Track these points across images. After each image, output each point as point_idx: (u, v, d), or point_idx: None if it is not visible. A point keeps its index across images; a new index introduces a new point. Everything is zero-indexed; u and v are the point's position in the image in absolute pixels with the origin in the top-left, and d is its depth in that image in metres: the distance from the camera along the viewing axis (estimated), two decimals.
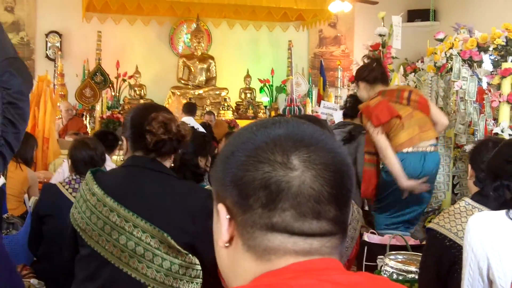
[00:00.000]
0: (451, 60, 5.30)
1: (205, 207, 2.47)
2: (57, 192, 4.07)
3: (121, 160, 3.26)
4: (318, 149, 1.08)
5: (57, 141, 8.32)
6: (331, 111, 8.97)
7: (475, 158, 3.03)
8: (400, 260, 3.70)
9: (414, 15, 13.61)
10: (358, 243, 3.89)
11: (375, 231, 4.67)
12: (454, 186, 5.86)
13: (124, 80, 13.02)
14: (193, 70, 13.94)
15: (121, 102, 13.03)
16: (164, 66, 14.03)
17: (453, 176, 5.86)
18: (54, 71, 12.13)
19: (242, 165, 1.08)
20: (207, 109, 12.71)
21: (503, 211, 2.29)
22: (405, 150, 4.84)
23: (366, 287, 1.09)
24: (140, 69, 13.36)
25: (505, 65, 4.95)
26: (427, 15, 13.35)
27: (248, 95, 13.96)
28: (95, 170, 2.79)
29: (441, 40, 5.77)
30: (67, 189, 4.09)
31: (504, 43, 5.02)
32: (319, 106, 10.08)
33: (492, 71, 5.13)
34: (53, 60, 13.02)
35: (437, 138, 5.18)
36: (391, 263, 3.62)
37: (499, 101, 4.94)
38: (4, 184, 4.98)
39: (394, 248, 4.19)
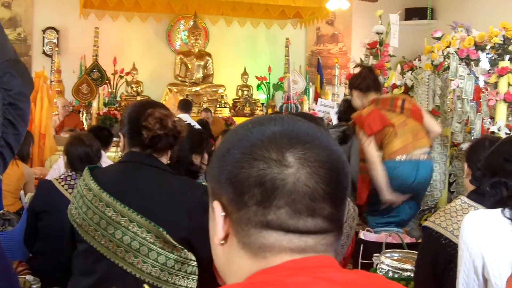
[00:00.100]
0: (448, 59, 5.30)
1: (201, 203, 2.49)
2: (52, 189, 4.06)
3: (119, 157, 3.27)
4: (313, 146, 1.08)
5: (53, 137, 8.31)
6: (328, 108, 8.97)
7: (472, 156, 3.03)
8: (396, 258, 3.70)
9: (412, 14, 13.62)
10: (354, 241, 3.90)
11: (371, 229, 4.67)
12: (450, 184, 5.87)
13: (121, 77, 13.02)
14: (190, 67, 13.94)
15: (118, 98, 13.03)
16: (161, 63, 14.02)
17: (450, 175, 5.87)
18: (51, 67, 12.11)
19: (237, 163, 1.08)
20: (204, 106, 12.70)
21: (498, 210, 2.29)
22: (398, 158, 4.87)
23: (362, 285, 1.08)
24: (137, 66, 13.35)
25: (502, 64, 4.95)
26: (424, 13, 13.35)
27: (245, 92, 13.97)
28: (93, 167, 2.82)
29: (439, 39, 5.78)
30: (62, 186, 4.08)
31: (501, 42, 5.02)
32: (316, 103, 10.08)
33: (489, 70, 5.13)
34: (50, 56, 13.01)
35: (430, 146, 5.20)
36: (387, 261, 3.62)
37: (496, 100, 4.94)
38: (0, 181, 4.99)
39: (390, 246, 4.19)
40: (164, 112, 2.72)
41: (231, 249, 1.12)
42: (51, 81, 11.03)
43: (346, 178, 1.12)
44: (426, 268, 2.96)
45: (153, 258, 2.51)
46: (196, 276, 2.58)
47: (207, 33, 14.51)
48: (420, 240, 3.78)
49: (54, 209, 3.95)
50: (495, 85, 5.01)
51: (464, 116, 5.36)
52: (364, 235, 4.52)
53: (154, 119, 2.65)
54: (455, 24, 5.62)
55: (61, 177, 4.19)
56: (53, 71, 11.88)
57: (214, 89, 13.72)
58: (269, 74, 13.97)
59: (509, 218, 2.24)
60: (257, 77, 13.93)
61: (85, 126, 10.80)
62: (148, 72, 13.75)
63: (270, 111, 13.40)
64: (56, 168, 5.90)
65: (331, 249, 1.10)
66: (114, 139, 9.44)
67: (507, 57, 5.02)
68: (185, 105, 10.23)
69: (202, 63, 13.99)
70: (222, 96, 13.59)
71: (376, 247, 4.19)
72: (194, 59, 13.97)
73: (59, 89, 11.44)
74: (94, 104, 11.66)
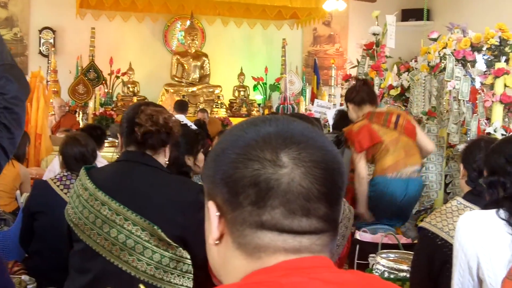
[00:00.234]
0: (445, 60, 5.30)
1: (196, 201, 2.50)
2: (48, 189, 4.06)
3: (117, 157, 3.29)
4: (308, 146, 1.08)
5: (49, 138, 8.30)
6: (325, 109, 8.99)
7: (467, 157, 3.04)
8: (391, 258, 3.71)
9: (408, 15, 13.63)
10: (350, 241, 3.90)
11: (366, 230, 4.67)
12: (446, 185, 5.87)
13: (117, 77, 13.00)
14: (186, 68, 13.94)
15: (114, 99, 13.02)
16: (157, 63, 14.02)
17: (446, 175, 5.87)
18: (47, 67, 12.10)
19: (232, 163, 1.08)
20: (201, 106, 12.70)
21: (493, 211, 2.29)
22: (389, 176, 4.93)
23: (357, 285, 1.08)
24: (134, 66, 13.34)
25: (498, 65, 4.95)
26: (421, 14, 13.31)
27: (242, 93, 13.97)
28: (89, 167, 2.84)
29: (435, 40, 5.77)
30: (58, 186, 4.08)
31: (497, 43, 5.02)
32: (313, 104, 10.09)
33: (486, 71, 5.13)
34: (47, 56, 13.00)
35: (422, 164, 5.31)
36: (382, 262, 3.62)
37: (492, 101, 4.95)
38: None
39: (386, 246, 4.20)
40: (156, 108, 2.74)
41: (226, 249, 1.12)
42: (47, 81, 11.01)
43: (341, 178, 1.11)
44: (422, 268, 2.96)
45: (148, 256, 2.52)
46: (192, 275, 2.59)
47: (203, 33, 14.52)
48: (416, 241, 3.79)
49: (50, 209, 3.94)
50: (491, 86, 5.01)
51: (460, 117, 5.36)
52: (360, 235, 4.52)
53: (146, 115, 2.68)
54: (452, 25, 5.62)
55: (57, 177, 4.18)
56: (49, 71, 11.87)
57: (211, 90, 13.72)
58: (266, 74, 13.97)
59: (504, 219, 2.24)
60: (253, 78, 13.93)
61: (82, 126, 10.79)
62: (145, 73, 13.74)
63: (266, 111, 13.39)
64: (51, 169, 5.90)
65: (326, 250, 1.10)
66: (110, 139, 9.47)
67: (503, 58, 5.02)
68: (181, 106, 10.23)
69: (198, 63, 13.99)
70: (218, 97, 13.59)
71: (372, 248, 4.20)
72: (191, 60, 13.96)
73: (55, 89, 11.43)
74: (91, 104, 11.66)
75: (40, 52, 13.51)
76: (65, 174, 4.14)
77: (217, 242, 1.13)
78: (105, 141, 6.95)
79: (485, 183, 2.48)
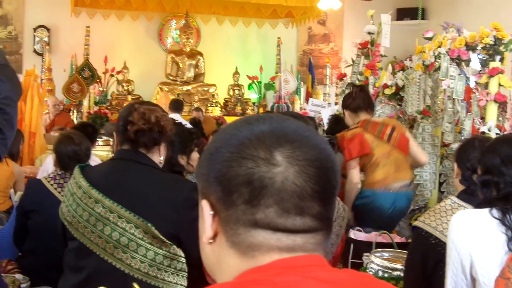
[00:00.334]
0: (439, 59, 5.30)
1: (189, 199, 2.51)
2: (42, 188, 4.05)
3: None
4: (302, 145, 1.08)
5: (43, 136, 8.29)
6: (319, 108, 8.98)
7: (461, 156, 3.04)
8: (385, 257, 3.71)
9: (403, 14, 13.64)
10: (344, 240, 3.90)
11: (361, 229, 4.68)
12: (440, 184, 5.87)
13: (112, 76, 12.99)
14: (181, 66, 13.94)
15: (109, 97, 13.02)
16: (152, 61, 14.01)
17: (440, 174, 5.88)
18: (42, 65, 12.07)
19: (226, 161, 1.08)
20: (195, 105, 12.70)
21: (486, 210, 2.29)
22: (378, 190, 4.99)
23: (351, 284, 1.08)
24: (128, 65, 13.34)
25: (492, 64, 4.96)
26: (416, 13, 13.37)
27: (237, 91, 13.98)
28: (83, 165, 2.84)
29: (430, 39, 5.78)
30: (52, 185, 4.07)
31: (492, 42, 5.03)
32: (307, 103, 10.09)
33: (480, 70, 5.14)
34: (41, 54, 12.97)
35: (412, 179, 5.32)
36: (376, 261, 3.62)
37: (487, 100, 4.95)
38: None
39: (380, 245, 4.20)
40: (149, 107, 2.76)
41: (220, 248, 1.12)
42: (41, 80, 10.98)
43: (335, 176, 1.12)
44: (416, 267, 2.97)
45: (141, 254, 2.53)
46: (186, 273, 2.60)
47: (198, 32, 14.51)
48: (410, 240, 3.79)
49: (43, 208, 3.93)
50: (486, 86, 5.02)
51: (455, 116, 5.37)
52: (354, 234, 4.52)
53: (139, 114, 2.69)
54: (446, 25, 5.62)
55: (50, 176, 4.18)
56: (43, 69, 11.83)
57: (205, 88, 13.73)
58: (261, 73, 13.99)
59: (497, 218, 2.24)
60: (248, 77, 13.94)
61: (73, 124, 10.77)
62: (139, 71, 13.74)
63: (261, 110, 13.41)
64: (44, 169, 5.89)
65: (320, 248, 1.10)
66: (105, 137, 9.46)
67: (498, 57, 5.02)
68: (176, 105, 10.23)
69: (193, 62, 13.99)
70: (213, 95, 13.60)
71: (366, 247, 4.20)
72: (186, 58, 13.97)
73: (49, 88, 11.39)
74: (85, 102, 11.65)
75: (35, 51, 13.49)
76: (59, 173, 4.14)
77: (211, 241, 1.13)
78: (98, 139, 6.94)
79: (478, 182, 2.49)
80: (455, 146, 4.83)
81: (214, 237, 1.12)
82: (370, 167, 5.02)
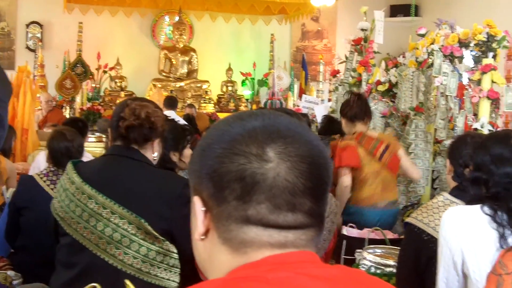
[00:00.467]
0: (432, 56, 5.31)
1: (182, 194, 2.52)
2: (34, 184, 4.05)
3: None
4: (294, 141, 1.08)
5: (36, 132, 8.26)
6: (313, 105, 8.97)
7: (454, 153, 3.04)
8: (378, 253, 3.72)
9: (397, 10, 13.64)
10: (336, 236, 3.91)
11: (353, 225, 4.69)
12: (433, 180, 5.89)
13: (105, 72, 12.97)
14: (174, 63, 13.93)
15: (102, 93, 12.99)
16: (145, 58, 14.00)
17: (433, 171, 5.89)
18: (34, 62, 12.04)
19: (218, 157, 1.08)
20: (188, 101, 12.69)
21: (478, 206, 2.30)
22: (364, 207, 5.03)
23: (343, 280, 1.08)
24: (121, 61, 13.33)
25: (485, 61, 4.97)
26: (409, 10, 13.38)
27: (230, 88, 13.98)
28: (76, 161, 2.84)
29: (423, 36, 5.78)
30: (44, 181, 4.07)
31: (485, 39, 5.04)
32: (301, 100, 10.08)
33: (473, 67, 5.14)
34: (34, 51, 12.93)
35: (396, 200, 5.36)
36: (369, 257, 3.63)
37: (479, 97, 4.96)
38: None
39: (373, 242, 4.21)
40: (140, 103, 2.76)
41: (212, 245, 1.12)
42: (34, 76, 10.96)
43: (327, 173, 1.11)
44: (408, 264, 2.97)
45: (134, 250, 2.53)
46: (178, 269, 2.60)
47: (191, 28, 14.49)
48: (403, 236, 3.79)
49: (36, 204, 3.92)
50: (479, 82, 5.03)
51: (447, 113, 5.37)
52: (347, 230, 4.53)
53: (129, 110, 2.70)
54: (440, 21, 5.63)
55: (43, 172, 4.17)
56: (36, 65, 11.81)
57: (199, 85, 13.72)
58: (254, 70, 13.97)
59: (488, 215, 2.25)
60: (241, 73, 13.93)
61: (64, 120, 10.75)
62: (132, 67, 13.72)
63: (254, 107, 13.41)
64: (35, 166, 5.87)
65: (311, 244, 1.10)
66: (98, 134, 9.43)
67: (491, 54, 5.03)
68: (171, 102, 10.24)
69: (186, 58, 13.98)
70: (206, 92, 13.59)
71: (359, 243, 4.21)
72: (179, 55, 13.96)
73: (42, 84, 11.37)
74: (78, 99, 11.62)
75: (27, 47, 13.47)
76: (52, 169, 4.13)
77: (203, 237, 1.12)
78: (90, 135, 6.91)
79: (469, 178, 2.49)
80: (448, 142, 4.84)
81: (206, 233, 1.12)
82: (358, 183, 5.06)
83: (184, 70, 13.96)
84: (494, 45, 5.04)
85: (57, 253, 2.75)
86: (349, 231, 4.53)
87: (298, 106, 9.72)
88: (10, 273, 3.81)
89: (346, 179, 4.98)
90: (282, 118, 1.13)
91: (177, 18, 13.97)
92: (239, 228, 1.06)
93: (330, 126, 6.11)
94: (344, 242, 4.34)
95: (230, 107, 13.42)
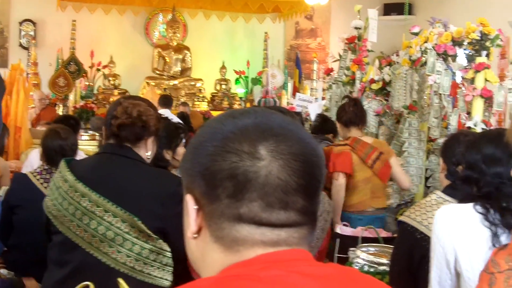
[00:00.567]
0: (426, 54, 5.32)
1: (175, 193, 2.51)
2: (28, 183, 4.04)
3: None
4: (286, 139, 1.07)
5: (29, 131, 8.24)
6: (306, 103, 8.98)
7: (447, 151, 3.04)
8: (371, 252, 3.72)
9: (390, 9, 13.64)
10: (329, 234, 3.91)
11: (347, 224, 4.69)
12: (427, 179, 5.89)
13: (98, 70, 12.94)
14: (168, 61, 13.91)
15: (95, 91, 12.96)
16: (139, 56, 13.98)
17: (426, 169, 5.89)
18: (28, 59, 12.00)
19: (210, 155, 1.08)
20: (182, 100, 12.68)
21: (471, 204, 2.30)
22: (352, 213, 5.05)
23: (335, 278, 1.08)
24: (115, 59, 13.30)
25: (479, 60, 4.98)
26: (403, 8, 13.38)
27: (224, 86, 13.96)
28: (69, 159, 2.84)
29: (416, 34, 5.79)
30: (38, 180, 4.06)
31: (478, 38, 5.04)
32: (295, 98, 10.09)
33: (466, 66, 5.15)
34: (27, 48, 12.91)
35: (386, 206, 5.40)
36: (362, 255, 3.63)
37: (473, 95, 4.97)
38: None
39: (366, 240, 4.21)
40: (133, 101, 2.76)
41: (205, 243, 1.12)
42: (27, 74, 10.93)
43: (320, 170, 1.11)
44: (402, 262, 2.97)
45: (128, 248, 2.52)
46: (172, 268, 2.60)
47: (185, 26, 14.47)
48: (396, 235, 3.80)
49: (29, 203, 3.91)
50: (472, 81, 5.03)
51: (441, 111, 5.38)
52: (341, 229, 4.53)
53: (122, 108, 2.70)
54: (433, 20, 5.64)
55: (37, 170, 4.16)
56: (29, 63, 11.78)
57: (192, 83, 13.71)
58: (248, 68, 13.97)
59: (481, 213, 2.25)
60: (235, 71, 13.92)
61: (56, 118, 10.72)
62: (126, 65, 13.70)
63: (248, 105, 13.40)
64: (27, 165, 5.85)
65: (304, 242, 1.10)
66: (91, 132, 9.41)
67: (484, 53, 5.04)
68: (166, 101, 10.25)
69: (180, 56, 13.97)
70: (200, 90, 13.58)
71: (353, 242, 4.21)
72: (172, 53, 13.94)
73: (35, 82, 11.34)
74: (71, 97, 11.59)
75: (21, 45, 13.44)
76: (45, 167, 4.13)
77: (195, 235, 1.12)
78: (83, 133, 6.90)
79: (461, 177, 2.50)
80: (441, 141, 4.85)
81: (199, 231, 1.12)
82: (349, 189, 5.07)
83: (177, 68, 13.95)
84: (487, 43, 5.05)
85: (49, 251, 2.74)
86: (343, 229, 4.54)
87: (292, 104, 9.73)
88: (3, 271, 3.82)
89: (340, 179, 4.99)
90: (275, 116, 1.13)
91: (170, 16, 13.95)
92: (232, 226, 1.06)
93: (324, 125, 6.12)
94: (338, 240, 4.35)
95: (224, 106, 13.41)
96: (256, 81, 13.85)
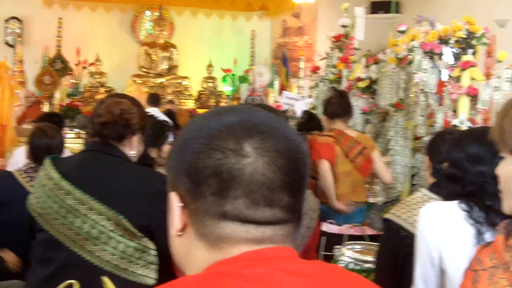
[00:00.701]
0: (413, 52, 5.33)
1: (160, 191, 2.49)
2: (13, 181, 4.02)
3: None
4: (272, 136, 1.07)
5: (14, 129, 8.21)
6: (293, 101, 8.97)
7: (433, 149, 3.05)
8: (357, 250, 3.73)
9: (378, 7, 13.65)
10: (317, 233, 3.91)
11: (333, 221, 4.70)
12: (412, 177, 5.91)
13: (84, 68, 12.89)
14: (155, 58, 13.88)
15: (81, 89, 12.91)
16: (125, 54, 13.94)
17: (412, 167, 5.91)
18: (13, 57, 11.95)
19: (195, 153, 1.07)
20: (168, 98, 12.66)
21: (455, 202, 2.31)
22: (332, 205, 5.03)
23: (320, 276, 1.08)
24: (102, 57, 13.25)
25: (465, 58, 5.00)
26: (390, 7, 13.41)
27: (210, 84, 13.95)
28: (54, 157, 2.82)
29: (403, 32, 5.80)
30: (23, 178, 4.04)
31: (465, 36, 5.06)
32: (281, 96, 10.09)
33: (453, 64, 5.17)
34: (13, 46, 12.83)
35: (365, 201, 5.40)
36: (348, 253, 3.64)
37: (459, 94, 4.99)
38: None
39: (353, 238, 4.23)
40: (116, 99, 2.77)
41: (189, 241, 1.11)
42: (13, 72, 10.87)
43: (305, 168, 1.12)
44: (387, 260, 2.98)
45: (112, 246, 2.52)
46: (156, 266, 2.59)
47: (172, 24, 14.44)
48: (382, 232, 3.81)
49: (14, 202, 3.89)
50: (458, 79, 5.05)
51: (427, 110, 5.40)
52: (327, 227, 4.54)
53: (105, 106, 2.70)
54: (420, 18, 5.65)
55: (23, 169, 4.15)
56: (15, 61, 11.73)
57: (179, 81, 13.69)
58: (235, 66, 13.96)
59: (465, 210, 2.26)
60: (222, 69, 13.91)
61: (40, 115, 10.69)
62: (112, 63, 13.65)
63: (235, 103, 13.39)
64: (12, 163, 5.82)
65: (289, 240, 1.11)
66: (76, 130, 9.36)
67: (470, 51, 5.06)
68: (154, 99, 10.25)
69: (167, 54, 13.95)
70: (186, 88, 13.56)
71: (339, 239, 4.22)
72: (159, 51, 13.91)
73: (21, 80, 11.31)
74: (57, 95, 11.55)
75: (6, 42, 13.34)
76: (32, 166, 4.11)
77: (180, 233, 1.12)
78: (69, 131, 6.88)
79: (445, 174, 2.51)
80: (427, 139, 4.87)
81: (183, 229, 1.12)
82: None
83: (164, 66, 13.92)
84: (473, 42, 5.07)
85: (33, 249, 2.73)
86: (329, 227, 4.55)
87: (279, 102, 9.73)
88: None
89: (325, 165, 4.99)
90: (260, 113, 1.13)
91: (157, 14, 13.92)
92: (216, 223, 1.06)
93: (309, 123, 6.12)
94: (324, 238, 4.36)
95: (211, 104, 13.41)
96: (243, 79, 13.85)
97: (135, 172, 2.74)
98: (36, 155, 4.12)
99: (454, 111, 5.08)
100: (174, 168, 1.13)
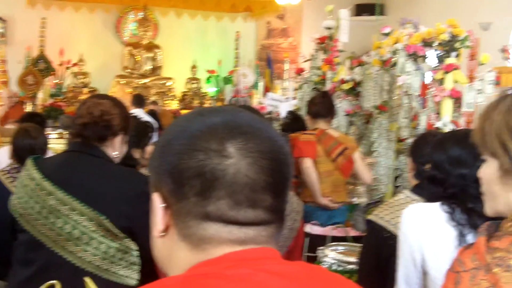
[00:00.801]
0: (397, 55, 5.35)
1: (143, 192, 2.48)
2: None
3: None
4: (254, 137, 1.07)
5: None
6: (277, 102, 8.99)
7: (416, 151, 3.07)
8: (340, 251, 3.74)
9: (362, 9, 13.69)
10: (301, 234, 3.91)
11: (317, 222, 4.71)
12: (396, 178, 5.93)
13: (67, 68, 12.83)
14: (139, 59, 13.83)
15: (65, 90, 12.84)
16: (109, 54, 13.87)
17: (395, 169, 5.93)
18: None
19: (177, 154, 1.07)
20: (152, 98, 12.63)
21: (437, 203, 2.32)
22: (312, 204, 5.05)
23: (303, 276, 1.09)
24: (85, 57, 13.19)
25: (448, 61, 5.02)
26: (375, 9, 13.45)
27: (194, 85, 13.93)
28: (36, 157, 2.82)
29: (387, 35, 5.82)
30: (6, 178, 4.01)
31: (448, 39, 5.08)
32: (266, 97, 10.10)
33: (436, 66, 5.19)
34: None
35: (346, 201, 5.42)
36: (331, 254, 3.65)
37: (442, 96, 5.01)
38: None
39: (336, 239, 4.23)
40: (97, 101, 2.76)
41: (172, 241, 1.11)
42: None
43: (288, 168, 1.12)
44: (370, 261, 2.98)
45: (94, 247, 2.51)
46: (139, 267, 2.59)
47: (156, 25, 14.41)
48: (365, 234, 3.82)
49: None
50: (441, 82, 5.08)
51: (411, 112, 5.43)
52: (311, 228, 4.55)
53: (86, 107, 2.70)
54: (404, 21, 5.67)
55: (6, 169, 4.12)
56: None
57: (163, 82, 13.65)
58: (219, 67, 13.95)
59: (448, 212, 2.27)
60: (207, 70, 13.90)
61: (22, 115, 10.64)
62: (96, 64, 13.58)
63: (219, 104, 13.39)
64: None
65: (272, 241, 1.11)
66: (59, 130, 9.31)
67: (454, 54, 5.09)
68: (139, 100, 10.24)
69: (151, 55, 13.91)
70: (170, 89, 13.54)
71: (322, 240, 4.23)
72: (143, 51, 13.87)
73: (4, 80, 11.24)
74: (40, 95, 11.49)
75: None
76: (15, 166, 4.09)
77: (162, 234, 1.12)
78: (50, 131, 6.84)
79: (427, 175, 2.52)
80: (411, 141, 4.89)
81: (166, 230, 1.12)
82: None
83: (148, 66, 13.89)
84: (457, 44, 5.10)
85: (15, 250, 2.72)
86: (312, 228, 4.55)
87: (263, 104, 9.73)
88: None
89: (308, 162, 5.02)
90: (243, 114, 1.13)
91: (141, 15, 13.88)
92: (199, 224, 1.06)
93: (294, 123, 6.13)
94: (307, 239, 4.36)
95: (195, 105, 13.39)
96: (227, 80, 13.85)
97: (117, 173, 2.73)
98: (20, 156, 4.09)
99: (438, 113, 5.11)
100: (157, 168, 1.12)
